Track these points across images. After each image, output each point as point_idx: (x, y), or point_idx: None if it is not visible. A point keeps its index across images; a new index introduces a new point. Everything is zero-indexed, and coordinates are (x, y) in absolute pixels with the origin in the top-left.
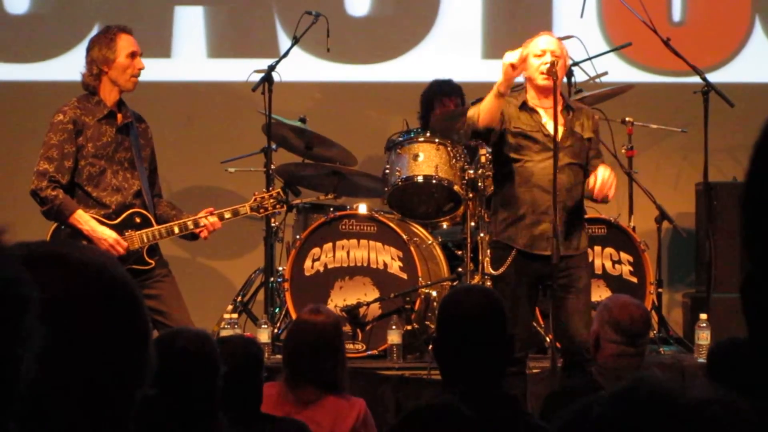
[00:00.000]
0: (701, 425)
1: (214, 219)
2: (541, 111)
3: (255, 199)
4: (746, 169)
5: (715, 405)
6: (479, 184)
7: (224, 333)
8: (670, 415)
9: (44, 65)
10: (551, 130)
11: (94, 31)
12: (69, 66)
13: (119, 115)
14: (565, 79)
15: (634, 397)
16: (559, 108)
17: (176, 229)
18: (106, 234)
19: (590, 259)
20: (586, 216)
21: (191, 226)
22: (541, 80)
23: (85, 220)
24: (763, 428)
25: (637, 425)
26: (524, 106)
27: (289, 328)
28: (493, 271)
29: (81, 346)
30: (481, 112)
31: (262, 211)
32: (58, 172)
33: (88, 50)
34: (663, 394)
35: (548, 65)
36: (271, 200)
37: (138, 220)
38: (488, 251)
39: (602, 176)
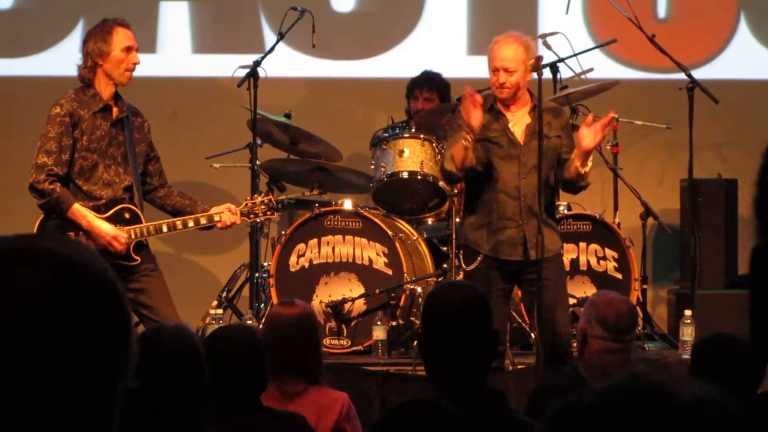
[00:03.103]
0: (694, 422)
1: (228, 215)
2: (508, 114)
3: (246, 204)
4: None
5: (709, 403)
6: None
7: (210, 329)
8: (665, 410)
9: (29, 60)
10: (516, 134)
11: (80, 27)
12: (54, 61)
13: (115, 109)
14: (550, 76)
15: (629, 391)
16: (527, 109)
17: (165, 228)
18: (104, 229)
19: (575, 255)
20: (570, 212)
21: (180, 226)
22: (498, 93)
23: (83, 214)
24: (754, 428)
25: (631, 419)
26: (492, 110)
27: (263, 322)
28: (465, 267)
29: (61, 340)
30: (456, 160)
31: (252, 216)
32: (56, 164)
33: (84, 42)
34: (659, 390)
35: (504, 84)
36: (263, 206)
37: (127, 215)
38: (460, 252)
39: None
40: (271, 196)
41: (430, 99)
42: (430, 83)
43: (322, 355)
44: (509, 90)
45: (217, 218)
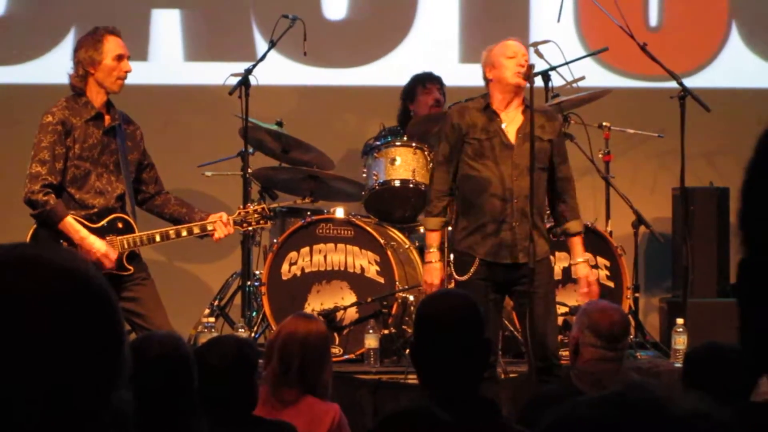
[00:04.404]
0: None
1: (219, 225)
2: (502, 115)
3: (239, 213)
4: (751, 155)
5: (702, 417)
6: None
7: (202, 337)
8: (657, 422)
9: (20, 68)
10: (510, 135)
11: (71, 35)
12: (45, 69)
13: (107, 117)
14: (542, 84)
15: (622, 401)
16: (520, 109)
17: (158, 238)
18: (96, 246)
19: (567, 264)
20: None
21: (173, 236)
22: (514, 77)
23: (75, 228)
24: None
25: (624, 428)
26: (487, 109)
27: (278, 330)
28: (457, 277)
29: (54, 349)
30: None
31: (245, 225)
32: (50, 174)
33: (75, 51)
34: (652, 401)
35: (522, 68)
36: (256, 215)
37: (120, 225)
38: (452, 257)
39: (588, 284)
40: (264, 205)
41: (442, 93)
42: (440, 80)
43: (332, 372)
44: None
45: (210, 227)
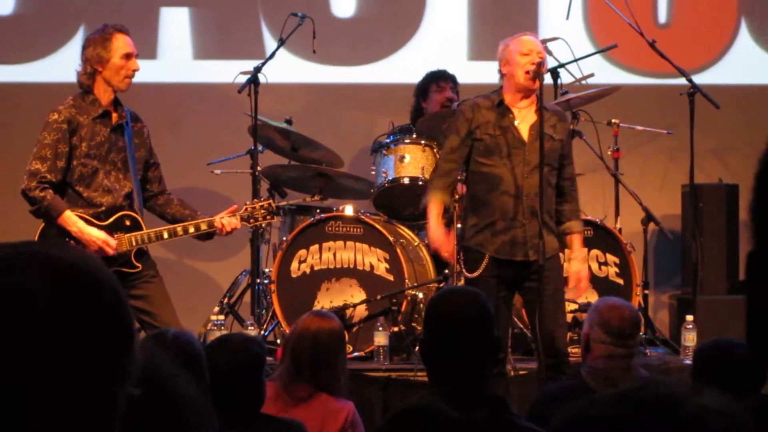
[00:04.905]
0: None
1: (228, 220)
2: (515, 111)
3: (246, 209)
4: (764, 147)
5: (718, 415)
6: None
7: (211, 335)
8: (674, 419)
9: (29, 67)
10: (523, 132)
11: (80, 33)
12: (54, 67)
13: (114, 115)
14: (551, 81)
15: (638, 398)
16: (534, 108)
17: (165, 234)
18: (94, 235)
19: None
20: None
21: (181, 232)
22: (525, 79)
23: (73, 221)
24: None
25: (639, 425)
26: (500, 106)
27: (292, 327)
28: (467, 274)
29: (64, 346)
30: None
31: (252, 221)
32: (50, 171)
33: (84, 48)
34: (668, 398)
35: (534, 66)
36: (262, 211)
37: (128, 222)
38: (461, 254)
39: (577, 280)
40: (270, 200)
41: (455, 92)
42: (454, 78)
43: (347, 370)
44: (542, 72)
45: (217, 224)
